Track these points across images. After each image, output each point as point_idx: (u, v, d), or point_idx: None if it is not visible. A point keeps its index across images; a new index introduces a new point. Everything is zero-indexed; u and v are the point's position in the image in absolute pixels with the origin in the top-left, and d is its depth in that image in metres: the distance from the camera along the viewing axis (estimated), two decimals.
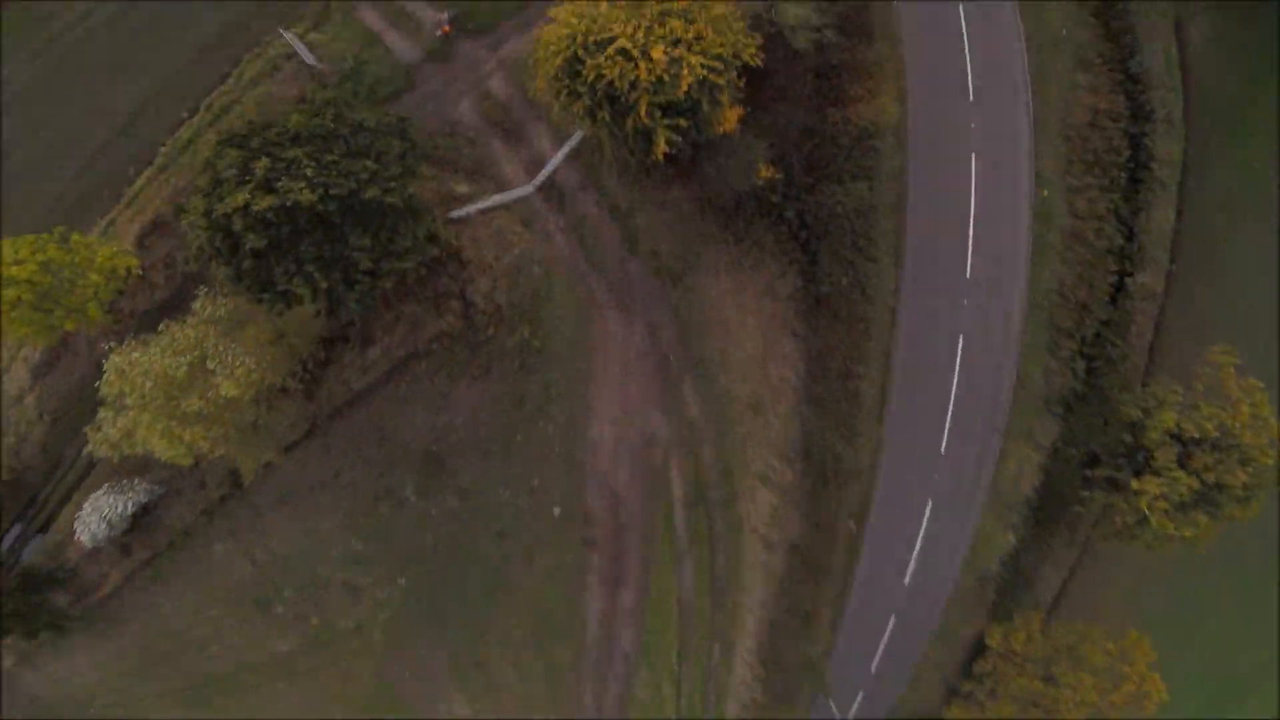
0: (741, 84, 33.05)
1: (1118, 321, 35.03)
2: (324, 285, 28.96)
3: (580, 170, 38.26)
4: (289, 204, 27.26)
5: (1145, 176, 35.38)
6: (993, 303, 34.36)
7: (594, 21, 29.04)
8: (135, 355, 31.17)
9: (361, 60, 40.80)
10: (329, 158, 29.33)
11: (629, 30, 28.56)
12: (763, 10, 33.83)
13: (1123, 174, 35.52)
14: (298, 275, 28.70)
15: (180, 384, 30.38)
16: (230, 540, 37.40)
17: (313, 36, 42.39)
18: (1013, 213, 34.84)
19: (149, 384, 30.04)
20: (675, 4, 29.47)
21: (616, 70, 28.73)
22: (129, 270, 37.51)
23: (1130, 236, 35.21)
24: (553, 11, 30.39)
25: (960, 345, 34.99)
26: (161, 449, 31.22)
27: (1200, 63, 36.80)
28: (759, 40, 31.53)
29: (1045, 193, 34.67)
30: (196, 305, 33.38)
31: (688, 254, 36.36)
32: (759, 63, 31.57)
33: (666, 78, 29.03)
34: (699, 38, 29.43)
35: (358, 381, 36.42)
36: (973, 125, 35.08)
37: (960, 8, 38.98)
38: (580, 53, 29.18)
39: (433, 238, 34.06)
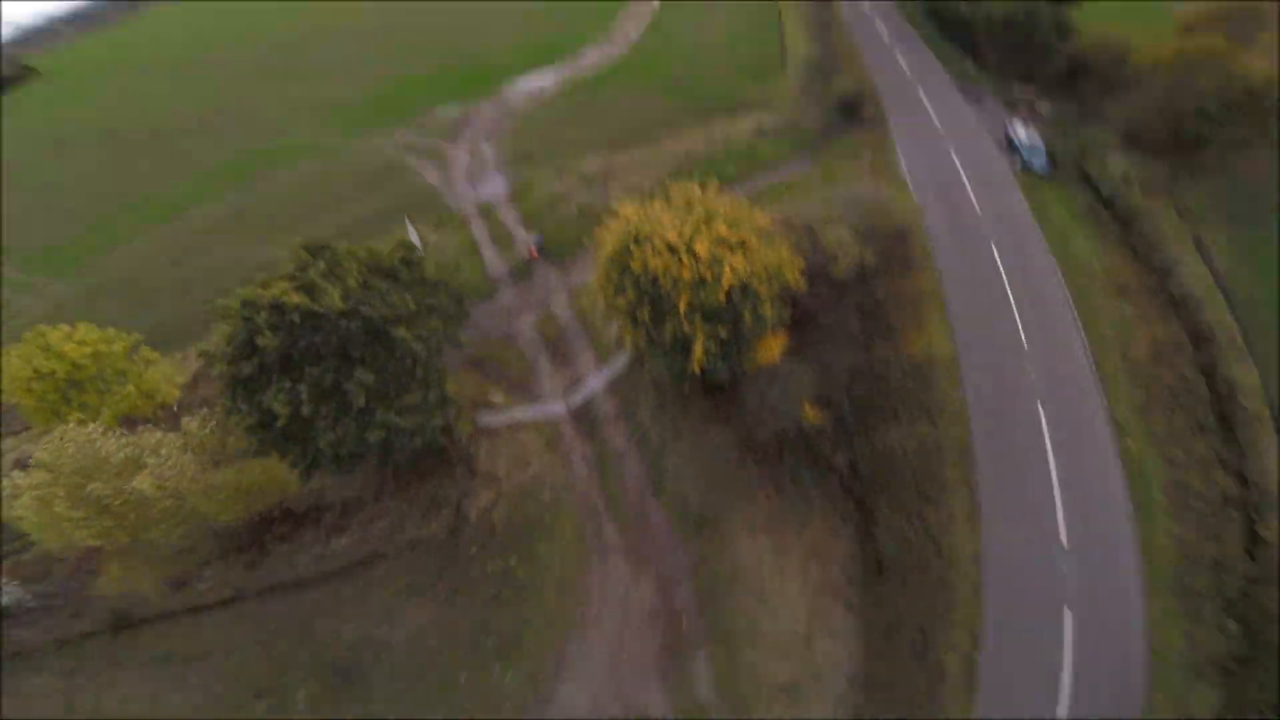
0: (786, 313, 32.77)
1: (1264, 577, 26.49)
2: (306, 410, 26.32)
3: (617, 401, 37.55)
4: (318, 310, 26.67)
5: (1234, 410, 30.49)
6: (1100, 572, 27.06)
7: (649, 219, 30.72)
8: (90, 428, 29.21)
9: (458, 265, 45.80)
10: (377, 282, 29.63)
11: (678, 226, 29.87)
12: (804, 235, 35.46)
13: (1209, 411, 30.96)
14: (288, 391, 26.38)
15: (102, 465, 27.81)
16: (61, 678, 29.99)
17: (430, 235, 50.00)
18: (1100, 468, 29.81)
19: (73, 449, 27.67)
20: (722, 210, 30.86)
21: (661, 263, 29.13)
22: (163, 403, 37.42)
23: (1244, 480, 29.04)
24: (617, 207, 32.51)
25: (1068, 621, 26.54)
26: (32, 516, 27.51)
27: (1235, 279, 34.81)
28: (802, 264, 32.02)
29: (1130, 443, 30.52)
30: (185, 422, 31.59)
31: (720, 504, 32.11)
32: (801, 284, 31.64)
33: (709, 276, 28.95)
34: (742, 243, 29.98)
35: (308, 568, 31.22)
36: (1029, 371, 32.91)
37: (992, 244, 40.13)
38: (632, 245, 30.26)
39: (444, 401, 32.11)
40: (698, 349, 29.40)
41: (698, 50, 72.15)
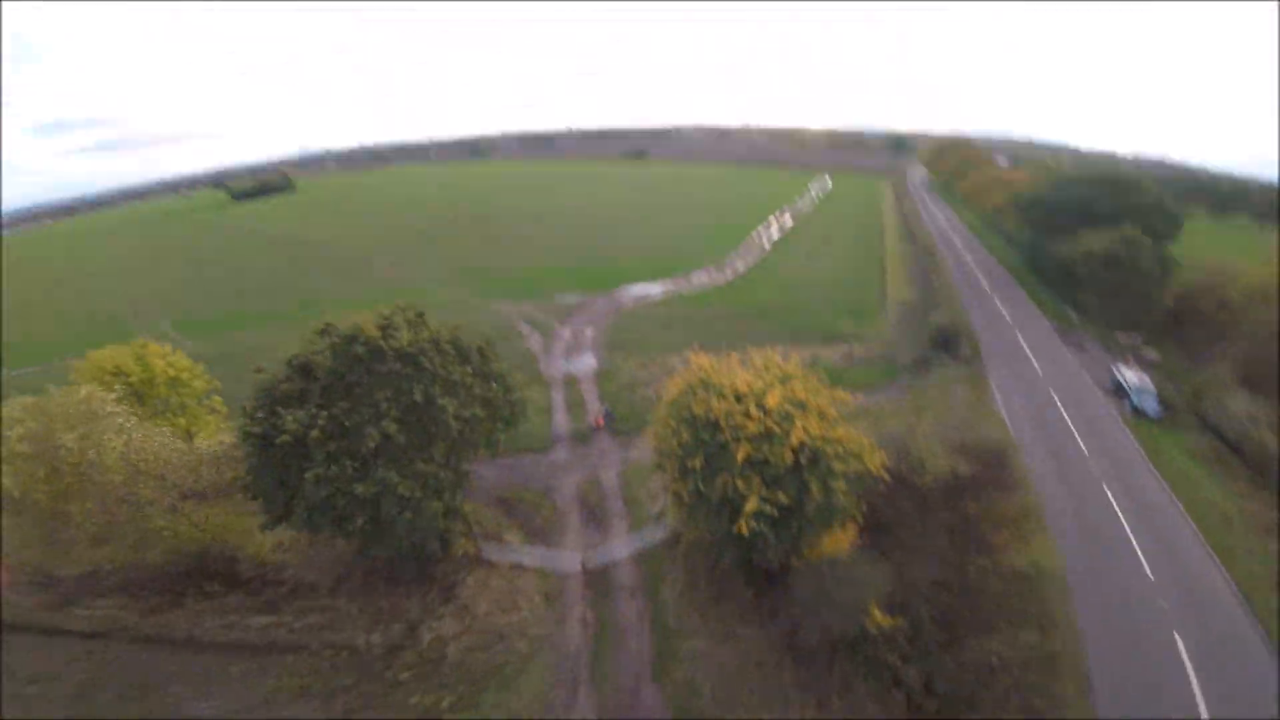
0: (860, 508, 28.15)
1: None
2: (314, 434, 23.91)
3: (641, 573, 31.63)
4: (382, 346, 26.20)
5: None
6: None
7: (721, 369, 29.29)
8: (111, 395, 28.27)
9: (530, 419, 45.18)
10: (447, 348, 29.00)
11: (750, 380, 27.90)
12: (889, 442, 32.32)
13: None
14: (309, 415, 24.34)
15: (89, 420, 26.36)
16: None
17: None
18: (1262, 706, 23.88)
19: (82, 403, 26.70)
20: (799, 375, 28.89)
21: (724, 408, 26.56)
22: None
23: None
24: (693, 357, 31.36)
25: None
26: None
27: None
28: (884, 459, 28.31)
29: None
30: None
31: (742, 706, 24.01)
32: (883, 474, 27.70)
33: (776, 431, 25.87)
34: (820, 412, 27.04)
35: (208, 633, 25.04)
36: (1159, 600, 28.84)
37: (1101, 481, 37.00)
38: (698, 389, 28.40)
39: (449, 513, 28.45)
40: (750, 504, 25.09)
41: (799, 286, 77.55)
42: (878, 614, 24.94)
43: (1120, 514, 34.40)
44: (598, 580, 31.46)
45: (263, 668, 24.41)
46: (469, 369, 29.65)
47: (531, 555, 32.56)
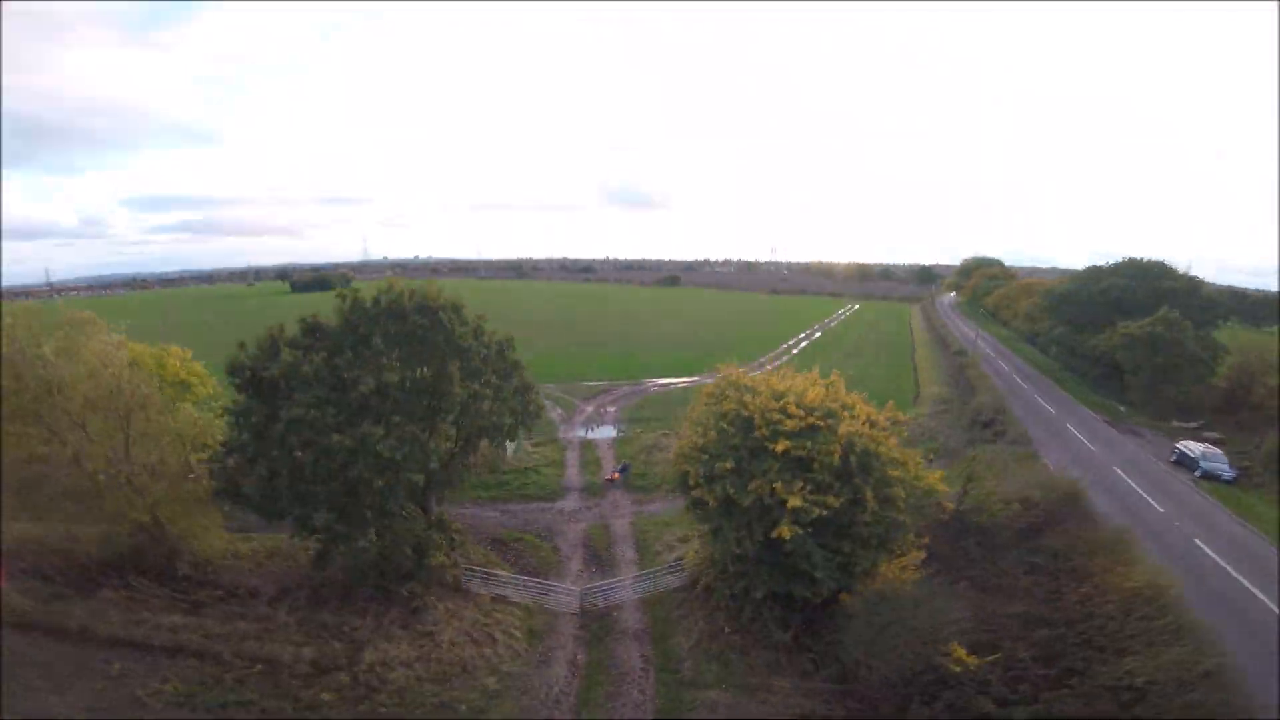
0: (922, 541, 23.16)
1: None
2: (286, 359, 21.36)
3: (649, 619, 26.01)
4: (401, 301, 24.39)
5: None
6: None
7: (757, 378, 26.18)
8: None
9: (541, 471, 43.88)
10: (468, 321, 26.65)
11: (793, 381, 24.48)
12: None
13: None
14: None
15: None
16: None
17: (530, 446, 49.26)
18: None
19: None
20: (842, 388, 25.46)
21: (760, 403, 22.93)
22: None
23: None
24: (722, 366, 28.39)
25: None
26: None
27: None
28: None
29: None
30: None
31: None
32: (947, 502, 23.61)
33: (822, 425, 21.87)
34: (871, 423, 23.09)
35: (106, 627, 20.53)
36: None
37: (1187, 534, 32.64)
38: (729, 390, 25.00)
39: (441, 525, 25.31)
40: (793, 500, 20.81)
41: None
42: (960, 653, 19.32)
43: (1215, 554, 30.49)
44: (597, 622, 26.07)
45: (151, 670, 19.58)
46: (484, 350, 27.38)
47: (520, 590, 27.53)
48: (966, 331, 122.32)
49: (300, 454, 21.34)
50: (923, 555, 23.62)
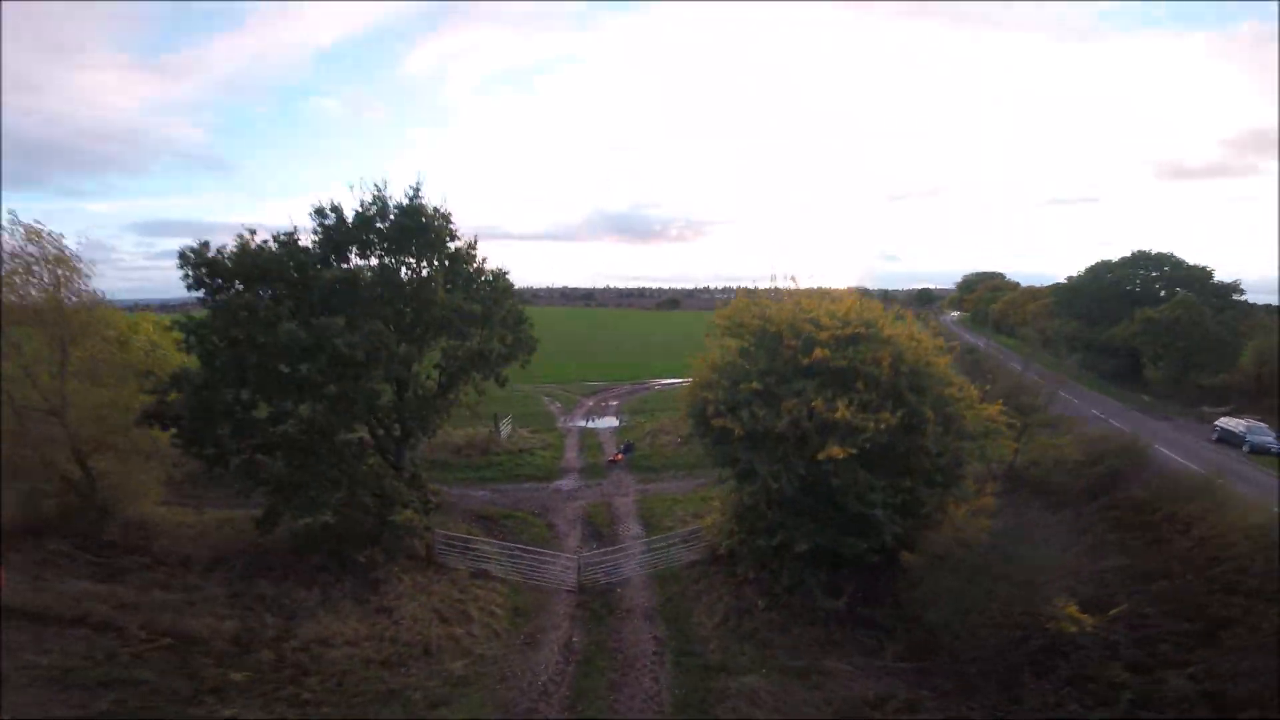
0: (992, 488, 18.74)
1: None
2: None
3: (661, 596, 21.31)
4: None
5: None
6: None
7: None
8: None
9: (536, 453, 40.18)
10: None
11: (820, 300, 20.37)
12: None
13: None
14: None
15: None
16: None
17: (527, 433, 45.36)
18: None
19: None
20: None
21: (788, 315, 19.11)
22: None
23: None
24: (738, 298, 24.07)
25: None
26: None
27: None
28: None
29: None
30: None
31: None
32: (1009, 437, 19.58)
33: (863, 333, 18.00)
34: (915, 341, 19.10)
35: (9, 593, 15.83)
36: None
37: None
38: (749, 309, 21.05)
39: (415, 482, 21.69)
40: (841, 412, 16.61)
41: None
42: (1073, 610, 14.78)
43: None
44: (598, 599, 21.42)
45: (30, 642, 15.01)
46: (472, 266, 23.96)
47: (506, 565, 22.88)
48: (975, 342, 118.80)
49: (242, 346, 17.59)
50: (994, 502, 19.22)
